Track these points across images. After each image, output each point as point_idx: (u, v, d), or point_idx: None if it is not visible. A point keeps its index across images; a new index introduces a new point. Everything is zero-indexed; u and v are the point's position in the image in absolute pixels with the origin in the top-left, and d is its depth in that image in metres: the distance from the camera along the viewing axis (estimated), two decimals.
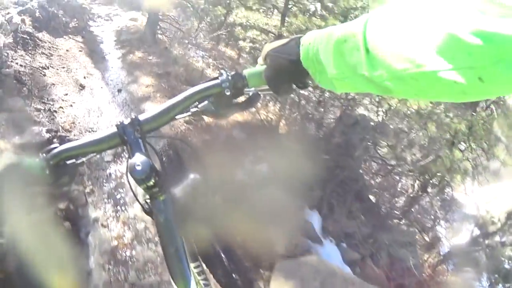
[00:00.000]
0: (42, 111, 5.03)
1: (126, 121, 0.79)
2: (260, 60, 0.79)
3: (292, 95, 5.14)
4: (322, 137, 4.99)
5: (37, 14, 6.98)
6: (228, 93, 0.76)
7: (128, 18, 9.88)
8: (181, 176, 0.91)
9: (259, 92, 0.81)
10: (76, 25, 8.00)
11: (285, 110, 5.26)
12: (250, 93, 0.81)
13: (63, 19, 7.70)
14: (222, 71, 0.78)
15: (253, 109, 5.38)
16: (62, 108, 5.34)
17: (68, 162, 0.79)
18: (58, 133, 4.81)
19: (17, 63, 5.65)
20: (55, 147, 0.79)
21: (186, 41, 8.38)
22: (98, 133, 0.83)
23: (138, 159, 0.74)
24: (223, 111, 0.80)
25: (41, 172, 0.74)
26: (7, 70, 5.11)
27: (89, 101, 5.73)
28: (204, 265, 0.95)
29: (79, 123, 5.17)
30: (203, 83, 0.80)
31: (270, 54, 0.74)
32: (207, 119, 4.81)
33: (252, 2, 9.59)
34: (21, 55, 5.87)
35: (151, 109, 0.82)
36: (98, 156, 3.35)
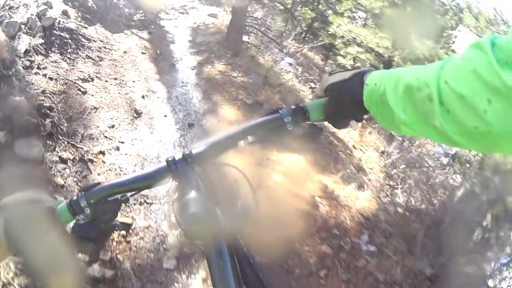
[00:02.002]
0: (70, 162, 3.07)
1: (178, 156, 0.71)
2: (319, 90, 0.75)
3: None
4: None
5: (90, 3, 4.93)
6: (290, 128, 0.71)
7: (206, 13, 8.16)
8: (231, 205, 0.77)
9: (319, 126, 0.77)
10: (143, 17, 5.94)
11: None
12: (310, 127, 0.77)
13: (125, 10, 5.57)
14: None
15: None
16: (102, 154, 3.30)
17: (110, 198, 0.71)
18: None
19: (44, 75, 3.60)
20: (96, 185, 0.71)
21: (273, 46, 7.16)
22: (146, 169, 0.79)
23: (195, 199, 0.65)
24: (282, 144, 0.76)
25: (80, 210, 0.67)
26: (17, 98, 3.03)
27: (144, 140, 3.53)
28: None
29: None
30: (264, 116, 0.75)
31: (331, 88, 0.70)
32: (326, 204, 3.38)
33: (344, 9, 8.95)
34: (54, 62, 3.80)
35: (204, 139, 0.73)
36: (153, 257, 2.58)
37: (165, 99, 4.26)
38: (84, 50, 4.37)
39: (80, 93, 3.85)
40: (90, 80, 4.07)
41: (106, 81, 4.19)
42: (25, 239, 0.62)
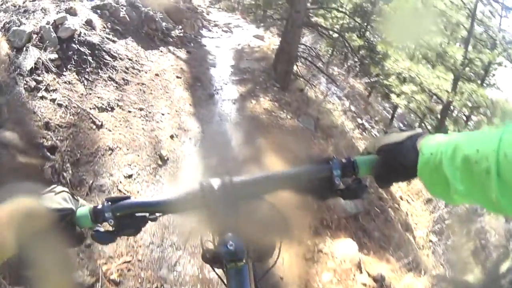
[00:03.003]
0: None
1: (216, 183, 0.68)
2: (370, 147, 0.74)
3: None
4: None
5: (122, 13, 4.24)
6: (337, 182, 0.70)
7: (251, 33, 7.56)
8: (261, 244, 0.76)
9: (364, 182, 0.74)
10: (181, 33, 5.20)
11: None
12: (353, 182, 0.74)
13: (163, 24, 4.83)
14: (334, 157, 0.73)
15: None
16: None
17: (138, 214, 0.69)
18: None
19: (52, 100, 2.89)
20: (124, 198, 0.68)
21: (322, 76, 6.88)
22: (180, 191, 0.73)
23: (230, 236, 0.65)
24: (324, 195, 0.73)
25: (103, 220, 0.66)
26: (8, 134, 2.35)
27: None
28: None
29: (139, 261, 2.42)
30: (313, 165, 0.72)
31: (384, 149, 0.70)
32: None
33: (392, 39, 8.68)
34: (68, 83, 3.10)
35: (247, 173, 0.72)
36: None
37: (198, 142, 3.42)
38: (107, 70, 3.61)
39: (94, 127, 3.07)
40: (109, 109, 3.29)
41: (129, 111, 3.40)
42: (36, 237, 0.59)
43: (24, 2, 3.72)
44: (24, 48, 3.14)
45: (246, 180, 0.70)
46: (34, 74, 3.09)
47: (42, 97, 3.01)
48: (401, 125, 11.69)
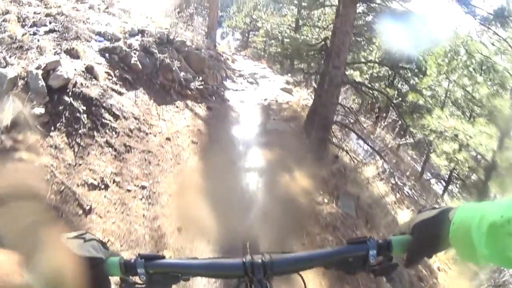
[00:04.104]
0: None
1: (257, 259, 0.72)
2: (405, 227, 0.79)
3: None
4: None
5: (133, 60, 3.74)
6: (372, 261, 0.74)
7: (279, 85, 7.18)
8: None
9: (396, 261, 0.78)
10: (202, 85, 4.66)
11: None
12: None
13: (181, 74, 4.33)
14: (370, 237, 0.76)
15: None
16: None
17: (172, 274, 0.71)
18: None
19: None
20: (158, 257, 0.69)
21: (353, 134, 6.70)
22: (220, 258, 0.79)
23: None
24: (355, 271, 0.77)
25: (134, 273, 0.67)
26: None
27: None
28: None
29: None
30: (349, 245, 0.76)
31: (418, 226, 0.75)
32: None
33: (423, 86, 8.77)
34: (53, 148, 2.84)
35: (284, 252, 0.75)
36: None
37: (211, 238, 2.74)
38: (105, 132, 3.05)
39: (80, 212, 2.48)
40: (102, 187, 2.69)
41: (128, 190, 2.79)
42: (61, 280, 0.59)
43: (23, 35, 3.26)
44: (5, 97, 2.59)
45: (286, 260, 0.73)
46: (13, 131, 2.53)
47: (19, 160, 2.42)
48: (429, 175, 11.80)
